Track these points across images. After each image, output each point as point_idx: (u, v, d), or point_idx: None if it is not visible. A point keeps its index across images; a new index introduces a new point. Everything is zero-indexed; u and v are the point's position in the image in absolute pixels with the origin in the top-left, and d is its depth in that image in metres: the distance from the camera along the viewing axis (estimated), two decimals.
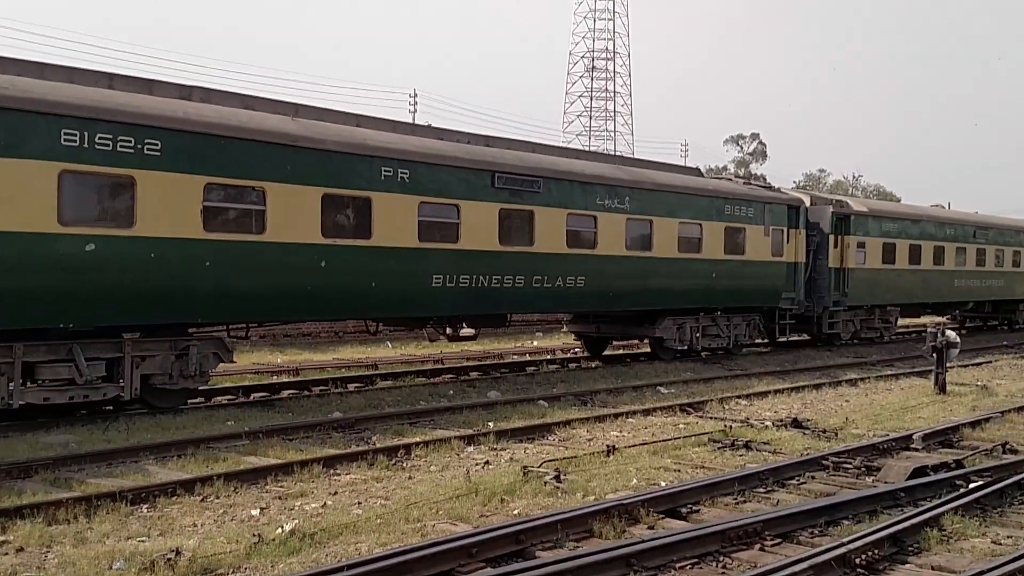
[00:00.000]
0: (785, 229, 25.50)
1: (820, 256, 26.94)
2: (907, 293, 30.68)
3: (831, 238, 27.14)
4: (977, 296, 34.99)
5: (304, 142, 15.03)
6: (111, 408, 14.91)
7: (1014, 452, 11.79)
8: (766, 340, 27.26)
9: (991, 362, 23.63)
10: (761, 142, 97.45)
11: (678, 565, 7.25)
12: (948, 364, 17.93)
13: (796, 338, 28.07)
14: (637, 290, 21.10)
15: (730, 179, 26.28)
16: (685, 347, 22.72)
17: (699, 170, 25.29)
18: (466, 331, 19.42)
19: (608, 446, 11.51)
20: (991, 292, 35.69)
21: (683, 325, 22.68)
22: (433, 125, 21.94)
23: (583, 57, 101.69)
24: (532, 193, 18.61)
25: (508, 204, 18.21)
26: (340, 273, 15.51)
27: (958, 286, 33.26)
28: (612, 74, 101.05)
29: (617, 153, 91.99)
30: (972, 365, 22.66)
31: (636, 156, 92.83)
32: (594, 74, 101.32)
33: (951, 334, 17.66)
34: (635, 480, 10.09)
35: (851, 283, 27.62)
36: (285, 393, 16.90)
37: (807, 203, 27.13)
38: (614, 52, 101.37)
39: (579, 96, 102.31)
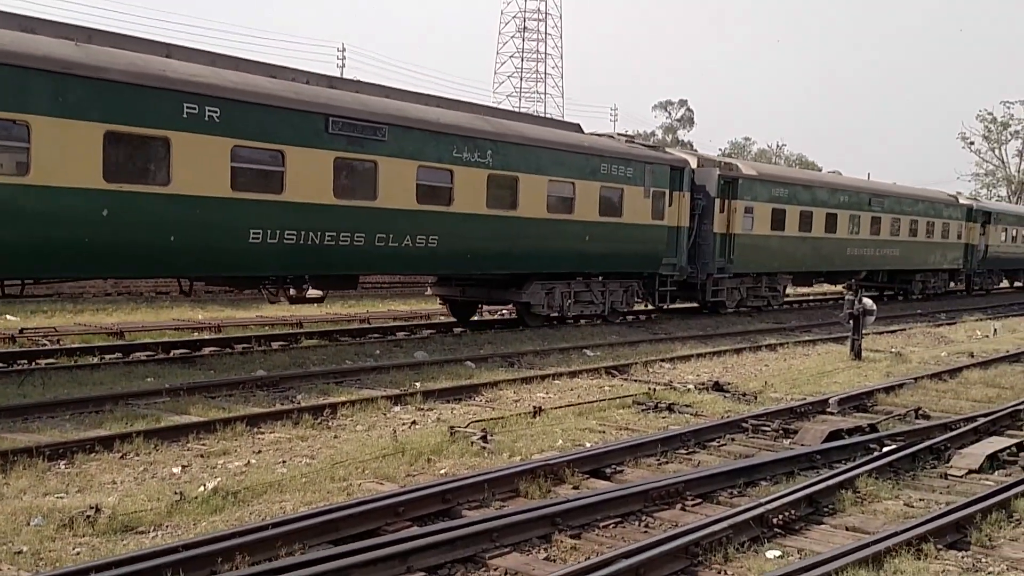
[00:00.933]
0: (668, 191, 24.19)
1: (706, 221, 25.71)
2: (797, 261, 29.80)
3: (717, 202, 25.96)
4: (871, 265, 34.37)
5: (81, 70, 12.87)
6: (26, 362, 14.56)
7: (926, 417, 12.18)
8: (648, 307, 26.28)
9: (905, 329, 24.31)
10: (689, 109, 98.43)
11: (602, 524, 7.36)
12: (864, 331, 18.41)
13: (681, 306, 27.71)
14: (500, 252, 19.69)
15: (612, 136, 24.73)
16: (555, 313, 21.66)
17: (579, 126, 23.82)
18: (313, 293, 17.83)
19: (534, 407, 11.59)
20: (886, 261, 35.09)
21: (552, 290, 21.46)
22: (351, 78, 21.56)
23: (515, 17, 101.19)
24: (376, 142, 16.75)
25: (346, 153, 16.34)
26: (128, 224, 13.46)
27: (851, 254, 32.43)
28: (544, 35, 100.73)
29: (547, 115, 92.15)
30: (887, 332, 23.29)
31: (565, 119, 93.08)
32: (525, 35, 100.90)
33: (868, 301, 18.12)
34: (561, 441, 10.19)
35: (737, 249, 26.57)
36: (207, 350, 16.63)
37: (693, 165, 25.84)
38: (546, 13, 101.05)
39: (510, 56, 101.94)
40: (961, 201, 41.39)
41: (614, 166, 22.35)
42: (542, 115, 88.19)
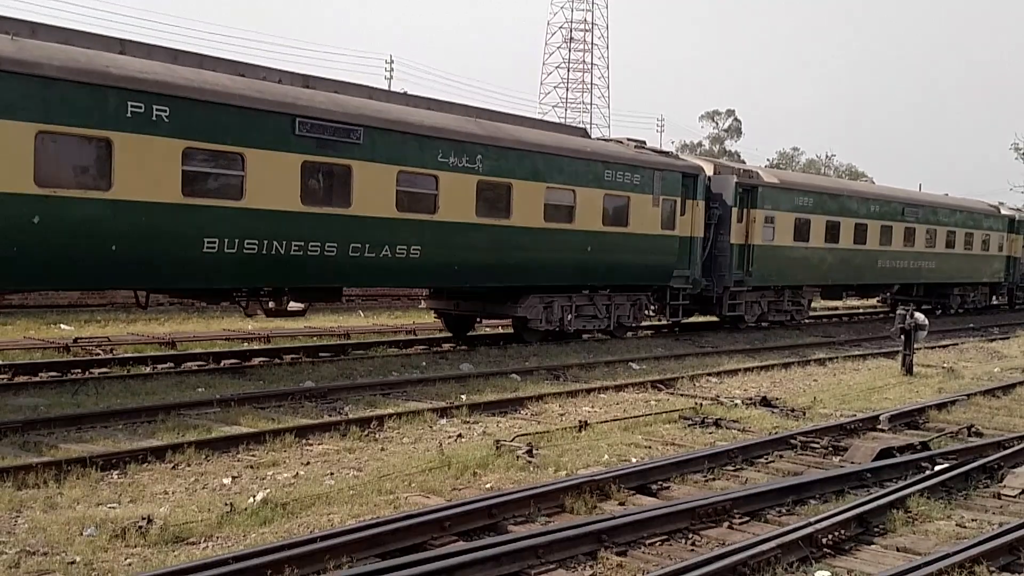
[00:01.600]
0: (679, 200, 22.78)
1: (722, 231, 24.35)
2: (822, 274, 28.35)
3: (735, 212, 24.60)
4: (904, 278, 32.96)
5: (11, 65, 11.99)
6: (80, 371, 14.83)
7: (979, 435, 11.98)
8: (663, 322, 24.92)
9: (957, 344, 23.92)
10: (736, 119, 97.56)
11: (648, 541, 7.32)
12: (916, 346, 18.15)
13: (699, 320, 26.62)
14: (492, 264, 18.46)
15: (620, 142, 23.01)
16: (555, 328, 20.43)
17: (586, 131, 22.49)
18: (294, 306, 16.78)
19: (580, 421, 11.57)
20: (921, 274, 33.40)
21: (552, 304, 20.23)
22: (409, 92, 21.51)
23: (561, 27, 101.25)
24: (350, 145, 15.58)
25: (316, 156, 15.19)
26: (63, 232, 12.52)
27: (882, 267, 30.88)
28: (590, 46, 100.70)
29: (592, 125, 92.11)
30: (939, 347, 22.93)
31: (611, 129, 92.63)
32: (571, 45, 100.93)
33: (920, 316, 17.85)
34: (606, 456, 10.16)
35: (756, 261, 25.19)
36: (256, 361, 16.82)
37: (709, 172, 24.52)
38: (592, 23, 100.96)
39: (556, 67, 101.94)
40: (1003, 212, 39.81)
41: (619, 172, 21.12)
42: (576, 124, 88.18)
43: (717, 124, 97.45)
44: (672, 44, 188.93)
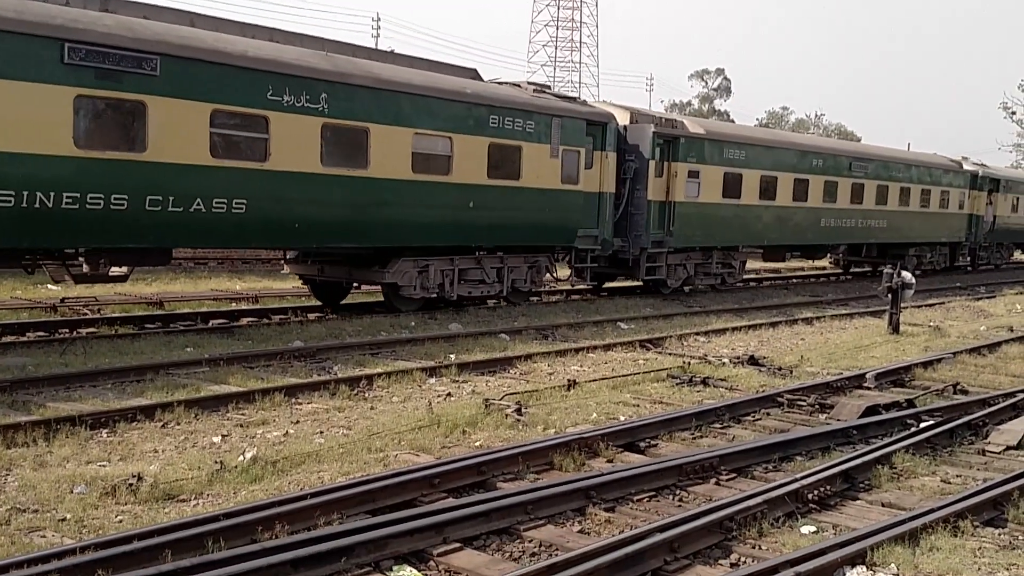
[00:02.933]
0: (583, 151, 20.34)
1: (639, 186, 21.93)
2: (757, 233, 26.07)
3: (653, 165, 22.03)
4: (853, 238, 30.66)
5: None
6: (68, 331, 14.80)
7: (965, 393, 12.08)
8: (581, 287, 23.40)
9: (944, 303, 24.05)
10: (726, 78, 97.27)
11: (636, 498, 7.39)
12: (902, 304, 18.23)
13: (622, 284, 24.75)
14: (345, 222, 16.07)
15: (518, 85, 20.45)
16: (433, 295, 18.04)
17: (476, 72, 19.75)
18: (116, 270, 14.72)
19: (569, 380, 11.62)
20: (871, 234, 31.06)
21: (427, 268, 17.76)
22: (395, 51, 21.01)
23: None
24: (143, 77, 13.14)
25: (94, 91, 12.77)
26: None
27: (826, 226, 28.60)
28: (579, 3, 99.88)
29: (581, 84, 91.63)
30: (925, 306, 23.05)
31: (600, 89, 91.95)
32: (560, 3, 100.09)
33: (907, 275, 17.92)
34: (595, 414, 10.22)
35: (678, 220, 22.85)
36: (244, 320, 16.81)
37: (623, 120, 22.03)
38: None
39: (545, 25, 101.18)
40: (966, 167, 36.99)
41: (508, 118, 18.52)
42: (565, 83, 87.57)
43: (707, 83, 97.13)
44: (663, 2, 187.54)
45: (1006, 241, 41.62)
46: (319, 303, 19.18)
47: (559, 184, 19.87)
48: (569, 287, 23.25)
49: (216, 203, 14.09)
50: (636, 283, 24.09)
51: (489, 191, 18.34)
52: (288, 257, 18.68)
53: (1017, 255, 46.49)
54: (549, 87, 20.90)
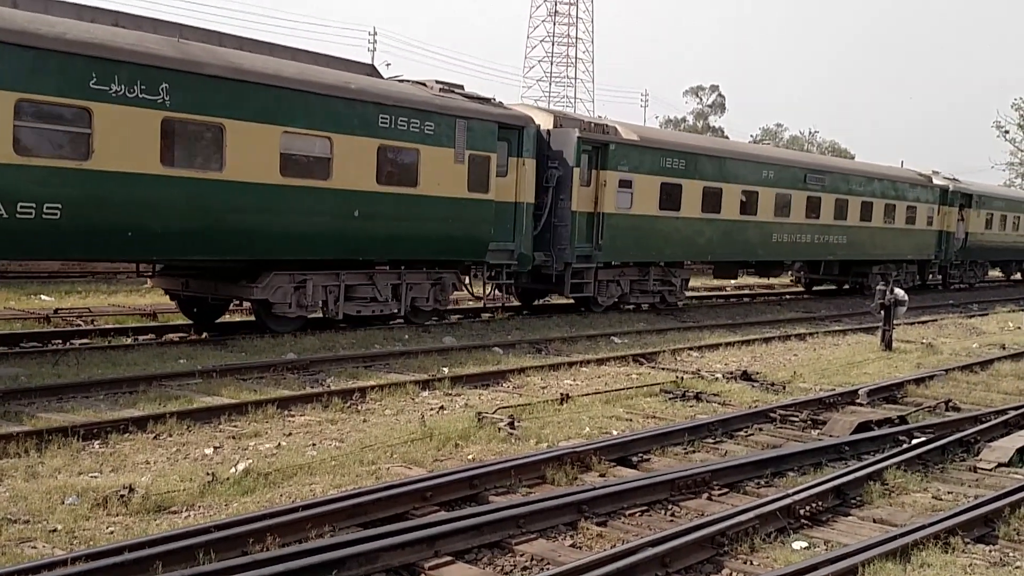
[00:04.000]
0: (494, 156, 18.47)
1: (563, 196, 20.12)
2: (699, 249, 24.24)
3: (577, 173, 20.24)
4: (810, 255, 28.72)
5: None
6: (60, 342, 14.78)
7: (956, 410, 12.11)
8: (509, 303, 21.94)
9: (936, 320, 24.10)
10: (720, 94, 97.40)
11: (628, 512, 7.39)
12: (895, 321, 18.28)
13: (562, 301, 23.20)
14: (196, 230, 14.16)
15: (422, 84, 18.40)
16: (314, 315, 16.42)
17: (374, 67, 18.33)
18: None
19: (561, 394, 11.62)
20: (830, 250, 29.13)
21: (304, 284, 15.91)
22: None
23: (545, 1, 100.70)
24: None
25: None
26: None
27: (778, 241, 26.64)
28: (575, 20, 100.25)
29: (577, 100, 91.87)
30: (918, 323, 23.10)
31: (594, 104, 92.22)
32: (556, 19, 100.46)
33: (900, 292, 17.97)
34: (587, 428, 10.22)
35: (608, 232, 21.06)
36: (237, 333, 16.76)
37: (545, 124, 20.21)
38: None
39: (541, 41, 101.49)
40: (936, 181, 35.19)
41: (402, 118, 16.62)
42: (560, 98, 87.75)
43: (701, 100, 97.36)
44: (659, 19, 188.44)
45: (980, 259, 39.77)
46: (315, 316, 18.12)
47: (466, 192, 17.95)
48: (488, 304, 21.02)
49: (22, 208, 12.19)
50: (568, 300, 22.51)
51: (379, 199, 16.44)
52: (156, 271, 16.58)
53: (995, 273, 45.07)
54: (461, 86, 19.07)
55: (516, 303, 22.62)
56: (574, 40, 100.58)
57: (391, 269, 17.54)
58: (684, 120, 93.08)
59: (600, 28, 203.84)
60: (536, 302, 22.77)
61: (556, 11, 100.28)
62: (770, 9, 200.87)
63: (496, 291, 20.27)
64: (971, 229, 37.00)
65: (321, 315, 16.63)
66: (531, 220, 19.68)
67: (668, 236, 22.91)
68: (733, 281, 32.59)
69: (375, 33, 70.42)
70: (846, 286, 32.65)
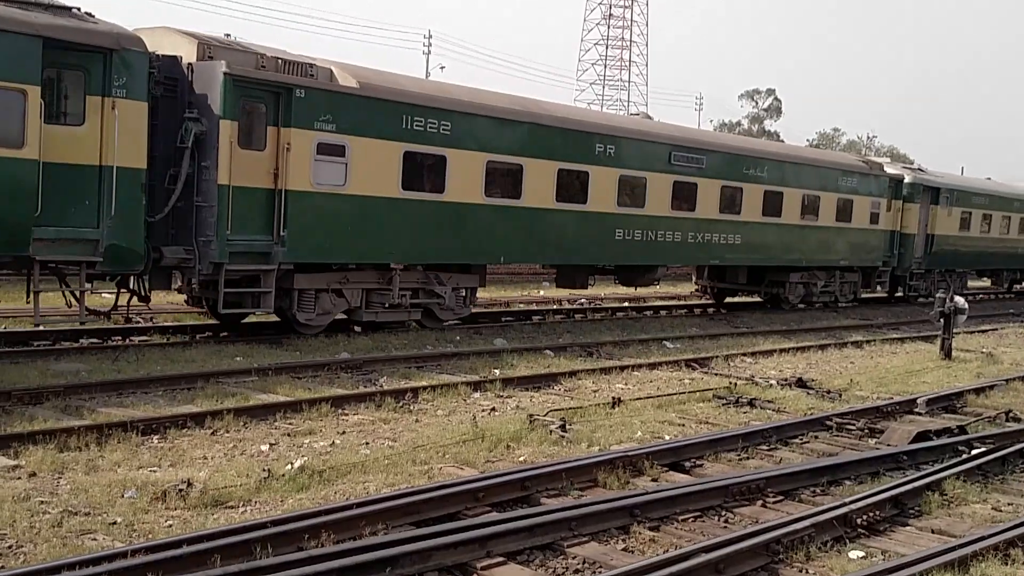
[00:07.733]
0: (33, 91, 11.66)
1: (206, 162, 13.61)
2: (476, 249, 17.58)
3: (230, 128, 13.66)
4: (679, 259, 22.60)
5: None
6: (120, 338, 15.05)
7: (1017, 420, 11.85)
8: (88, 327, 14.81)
9: (997, 329, 23.64)
10: (776, 98, 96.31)
11: (681, 517, 7.34)
12: (955, 330, 17.96)
13: (268, 319, 16.84)
14: None
15: None
16: None
17: None
18: None
19: (613, 398, 11.59)
20: (714, 253, 22.52)
21: None
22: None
23: (600, 3, 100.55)
24: None
25: None
26: None
27: (623, 239, 19.99)
28: (629, 22, 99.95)
29: (629, 103, 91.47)
30: (978, 332, 22.67)
31: (648, 108, 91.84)
32: (611, 22, 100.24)
33: (960, 300, 17.65)
34: (639, 433, 10.18)
35: (296, 220, 14.58)
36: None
37: (178, 52, 13.88)
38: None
39: (595, 44, 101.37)
40: (889, 171, 28.82)
41: None
42: (613, 101, 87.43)
43: (757, 103, 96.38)
44: (714, 22, 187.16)
45: (953, 267, 32.16)
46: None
47: None
48: (80, 324, 14.09)
49: None
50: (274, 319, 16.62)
51: None
52: None
53: (979, 283, 38.67)
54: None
55: (211, 320, 16.51)
56: (628, 43, 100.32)
57: None
58: (739, 124, 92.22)
59: (654, 31, 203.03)
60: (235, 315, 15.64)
61: (611, 14, 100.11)
62: (829, 15, 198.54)
63: (133, 300, 14.42)
64: (938, 230, 30.13)
65: None
66: (140, 196, 12.99)
67: (422, 227, 16.42)
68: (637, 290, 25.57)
69: (430, 36, 70.68)
70: (756, 297, 26.80)
